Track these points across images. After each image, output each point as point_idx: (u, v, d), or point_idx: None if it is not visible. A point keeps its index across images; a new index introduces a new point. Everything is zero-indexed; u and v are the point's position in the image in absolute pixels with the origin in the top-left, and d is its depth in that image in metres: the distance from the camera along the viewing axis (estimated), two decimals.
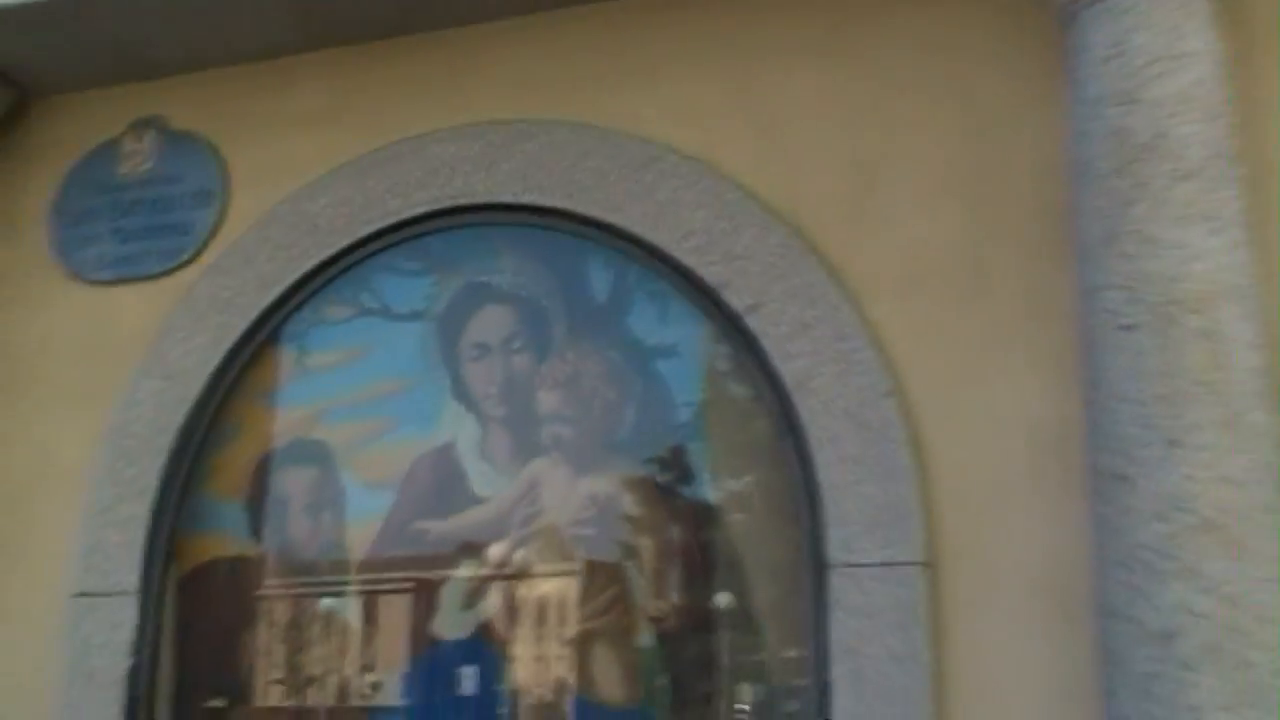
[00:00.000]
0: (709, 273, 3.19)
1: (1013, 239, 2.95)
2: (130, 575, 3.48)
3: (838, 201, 3.14)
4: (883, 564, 2.89)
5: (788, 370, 3.07)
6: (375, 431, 3.49)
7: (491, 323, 3.45)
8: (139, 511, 3.52)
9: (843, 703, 2.85)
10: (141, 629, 3.45)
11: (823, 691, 2.89)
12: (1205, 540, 2.33)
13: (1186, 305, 2.42)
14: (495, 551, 3.32)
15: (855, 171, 3.14)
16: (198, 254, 3.68)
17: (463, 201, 3.48)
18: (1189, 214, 2.45)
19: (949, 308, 2.99)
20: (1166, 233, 2.45)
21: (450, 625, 3.32)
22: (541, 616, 3.25)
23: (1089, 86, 2.60)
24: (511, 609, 3.26)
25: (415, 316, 3.51)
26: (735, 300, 3.14)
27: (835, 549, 2.93)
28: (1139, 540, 2.38)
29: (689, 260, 3.21)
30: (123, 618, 3.45)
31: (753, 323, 3.12)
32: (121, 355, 3.66)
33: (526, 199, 3.41)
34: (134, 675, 3.42)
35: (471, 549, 3.33)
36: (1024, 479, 2.85)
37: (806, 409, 3.03)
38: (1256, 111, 2.65)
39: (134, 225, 3.77)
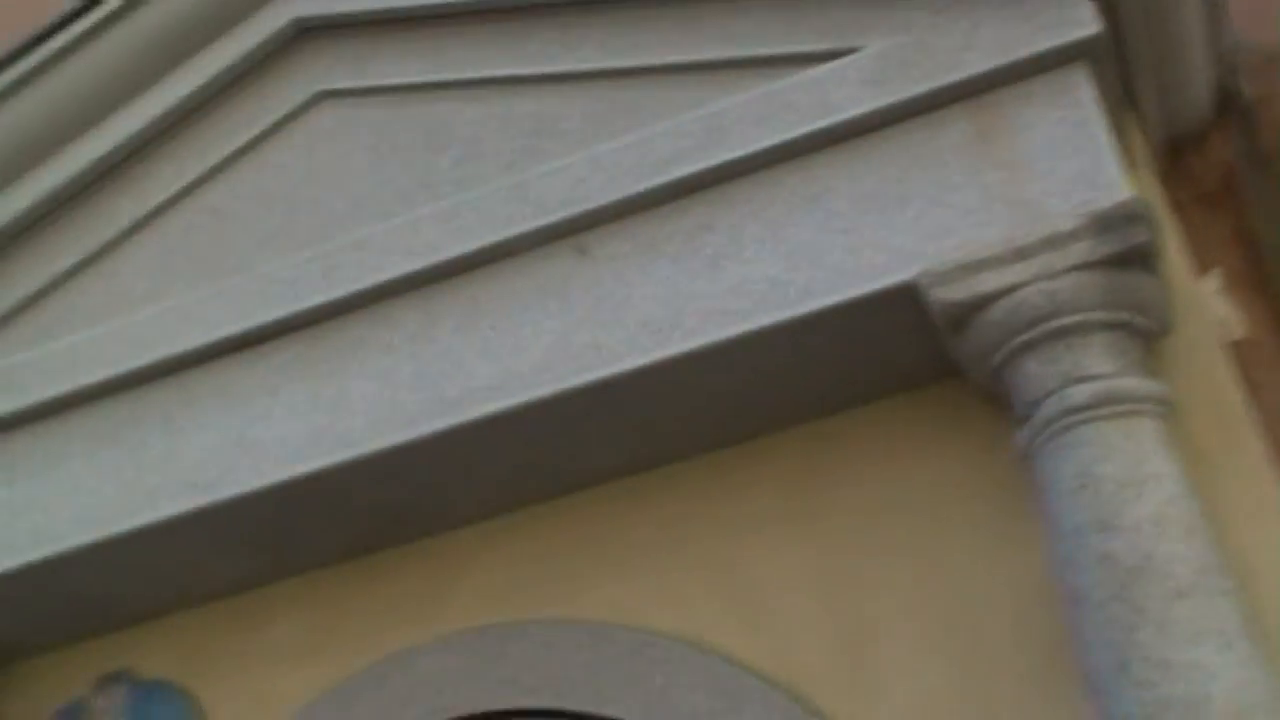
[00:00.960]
0: None
1: (1012, 679, 2.93)
2: None
3: (833, 668, 3.12)
4: None
5: None
6: None
7: None
8: None
9: None
10: None
11: None
12: None
13: None
14: None
15: (846, 637, 3.14)
16: None
17: (451, 716, 3.42)
18: (1194, 632, 2.47)
19: None
20: (1177, 655, 2.46)
21: None
22: None
23: (1066, 518, 2.67)
24: None
25: None
26: None
27: None
28: None
29: None
30: None
31: None
32: None
33: (516, 705, 3.36)
34: None
35: None
36: None
37: None
38: (1229, 522, 2.73)
39: None
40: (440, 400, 3.25)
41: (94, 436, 3.54)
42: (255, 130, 3.67)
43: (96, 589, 3.65)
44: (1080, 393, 2.70)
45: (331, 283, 3.41)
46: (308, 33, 3.64)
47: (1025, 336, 2.78)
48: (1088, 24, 2.89)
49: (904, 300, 2.94)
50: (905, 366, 3.17)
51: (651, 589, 3.37)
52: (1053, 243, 2.76)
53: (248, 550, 3.58)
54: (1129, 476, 2.62)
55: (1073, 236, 2.76)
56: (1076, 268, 2.74)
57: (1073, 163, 2.85)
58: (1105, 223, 2.74)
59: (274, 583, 3.71)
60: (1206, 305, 3.11)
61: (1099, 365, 2.73)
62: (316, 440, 3.33)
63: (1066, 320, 2.74)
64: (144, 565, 3.57)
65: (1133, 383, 2.72)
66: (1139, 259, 2.77)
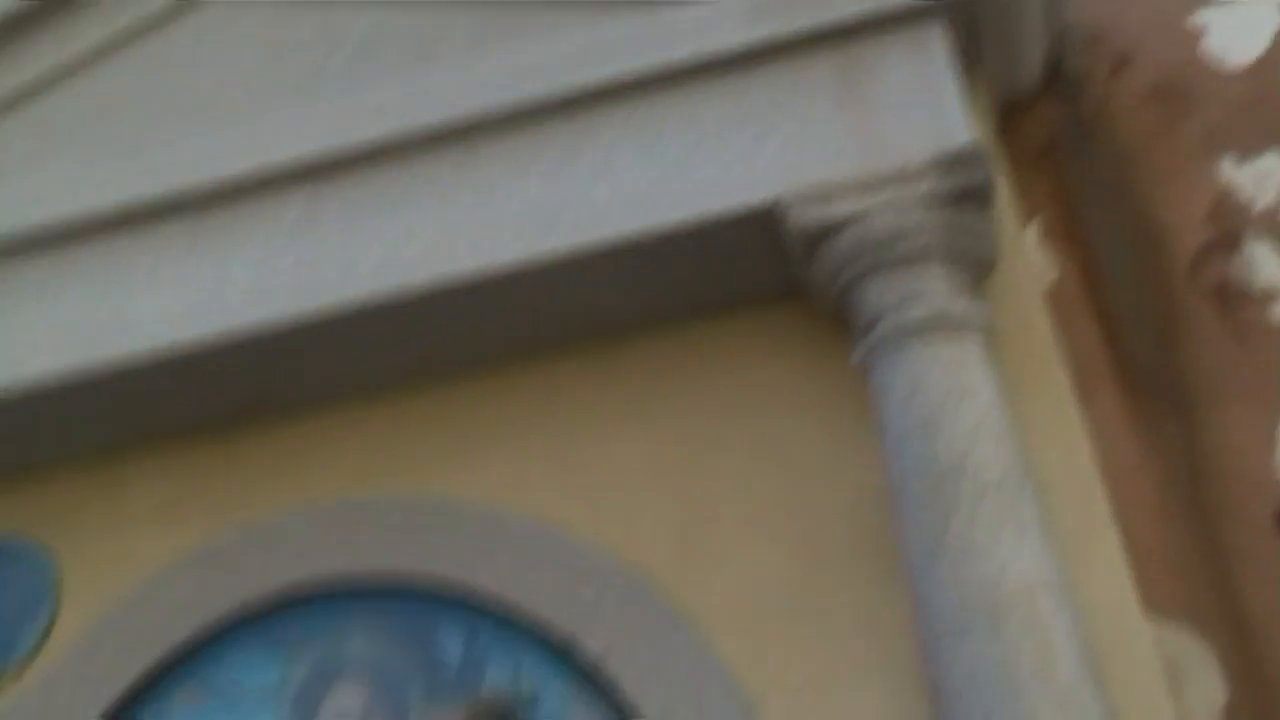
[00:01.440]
0: (559, 626, 3.38)
1: (836, 566, 3.26)
2: None
3: (673, 551, 3.40)
4: None
5: (647, 710, 3.24)
6: None
7: (347, 698, 3.52)
8: None
9: None
10: None
11: None
12: None
13: (1008, 603, 2.76)
14: None
15: (684, 522, 3.42)
16: (25, 666, 3.65)
17: (308, 579, 3.60)
18: (998, 523, 2.83)
19: (790, 635, 3.24)
20: (982, 540, 2.82)
21: None
22: None
23: (895, 422, 3.00)
24: None
25: (269, 698, 3.56)
26: (587, 649, 3.34)
27: None
28: None
29: (539, 614, 3.41)
30: None
31: (608, 668, 3.31)
32: None
33: (374, 574, 3.56)
34: None
35: None
36: None
37: None
38: (1033, 436, 3.11)
39: None
40: (317, 283, 3.44)
41: None
42: (148, 12, 3.76)
43: None
44: (915, 311, 3.04)
45: (219, 163, 3.56)
46: None
47: (870, 259, 3.10)
48: None
49: (762, 220, 3.24)
50: (757, 284, 3.47)
51: (503, 472, 3.60)
52: (901, 177, 3.10)
53: (114, 415, 3.70)
54: (952, 388, 2.97)
55: (919, 173, 3.10)
56: (921, 201, 3.07)
57: (924, 108, 3.19)
58: (949, 162, 3.09)
59: (137, 448, 3.82)
60: (1027, 251, 3.48)
61: (934, 289, 3.07)
62: (193, 313, 3.49)
63: (908, 247, 3.08)
64: (7, 423, 3.66)
65: (962, 307, 3.07)
66: (975, 198, 3.12)
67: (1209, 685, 3.14)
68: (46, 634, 3.69)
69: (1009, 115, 3.77)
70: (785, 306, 3.49)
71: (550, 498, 3.55)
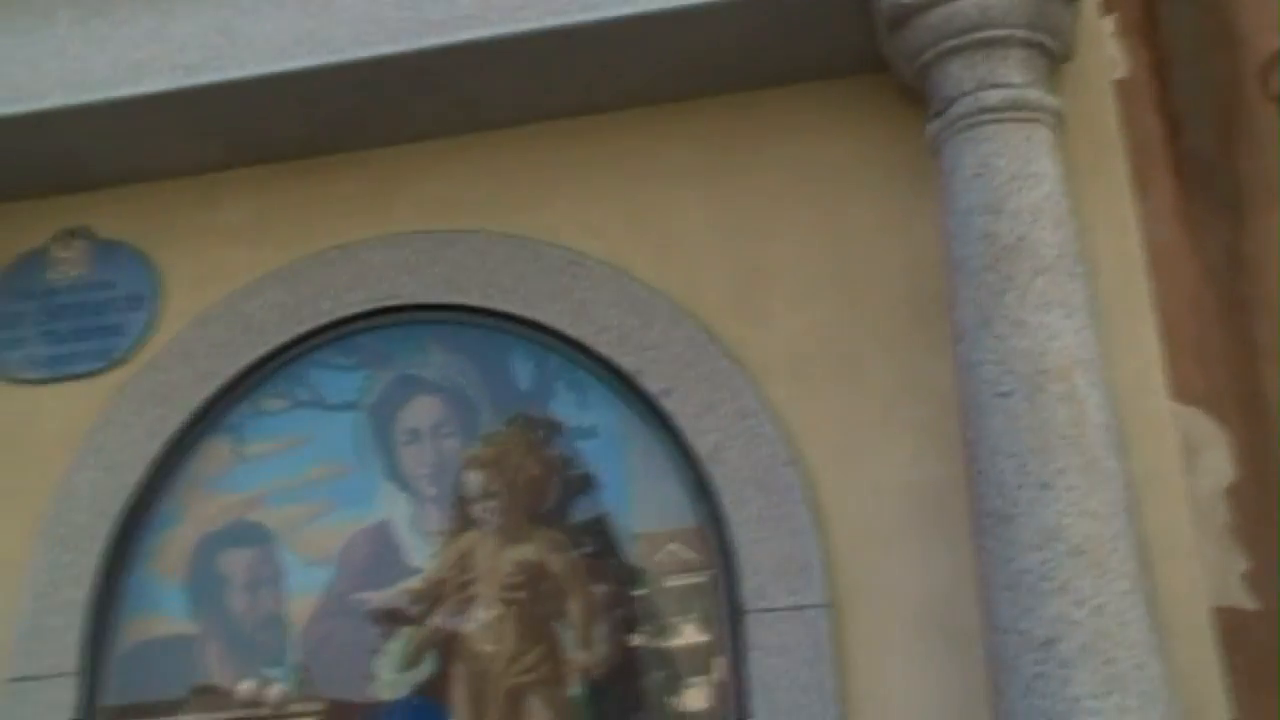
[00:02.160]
0: (624, 362, 3.62)
1: (887, 328, 3.49)
2: (69, 658, 3.66)
3: (733, 300, 3.63)
4: (791, 607, 3.34)
5: (699, 445, 3.51)
6: (314, 513, 3.77)
7: (422, 411, 3.81)
8: (77, 596, 3.71)
9: None
10: (84, 706, 3.64)
11: None
12: (1075, 563, 2.86)
13: (1050, 375, 2.98)
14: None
15: (747, 274, 3.64)
16: (130, 354, 3.92)
17: (391, 303, 3.84)
18: (1047, 302, 3.03)
19: (835, 388, 3.49)
20: (1031, 317, 3.02)
21: (393, 687, 3.63)
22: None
23: (960, 199, 3.17)
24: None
25: (349, 407, 3.84)
26: (649, 385, 3.59)
27: (750, 597, 3.36)
28: (1022, 566, 2.89)
29: (605, 351, 3.65)
30: (62, 699, 3.62)
31: (667, 404, 3.56)
32: (54, 450, 3.84)
33: (452, 299, 3.79)
34: None
35: (410, 617, 3.65)
36: (906, 528, 3.36)
37: (718, 477, 3.48)
38: (1089, 222, 3.27)
39: (65, 328, 3.99)
40: (423, 20, 3.56)
41: (84, 5, 3.74)
42: None
43: (67, 150, 3.90)
44: (993, 96, 3.18)
45: None
46: None
47: (954, 41, 3.23)
48: None
49: None
50: (840, 55, 3.59)
51: (579, 217, 3.79)
52: None
53: (216, 134, 3.88)
54: (1019, 171, 3.13)
55: None
56: None
57: None
58: None
59: (236, 168, 4.01)
60: (1103, 43, 3.58)
61: (1012, 75, 3.20)
62: (300, 41, 3.62)
63: (992, 33, 3.19)
64: (117, 134, 3.84)
65: (1036, 94, 3.20)
66: None
67: (1219, 465, 3.38)
68: (150, 327, 3.94)
69: None
70: (864, 79, 3.61)
71: (621, 244, 3.74)
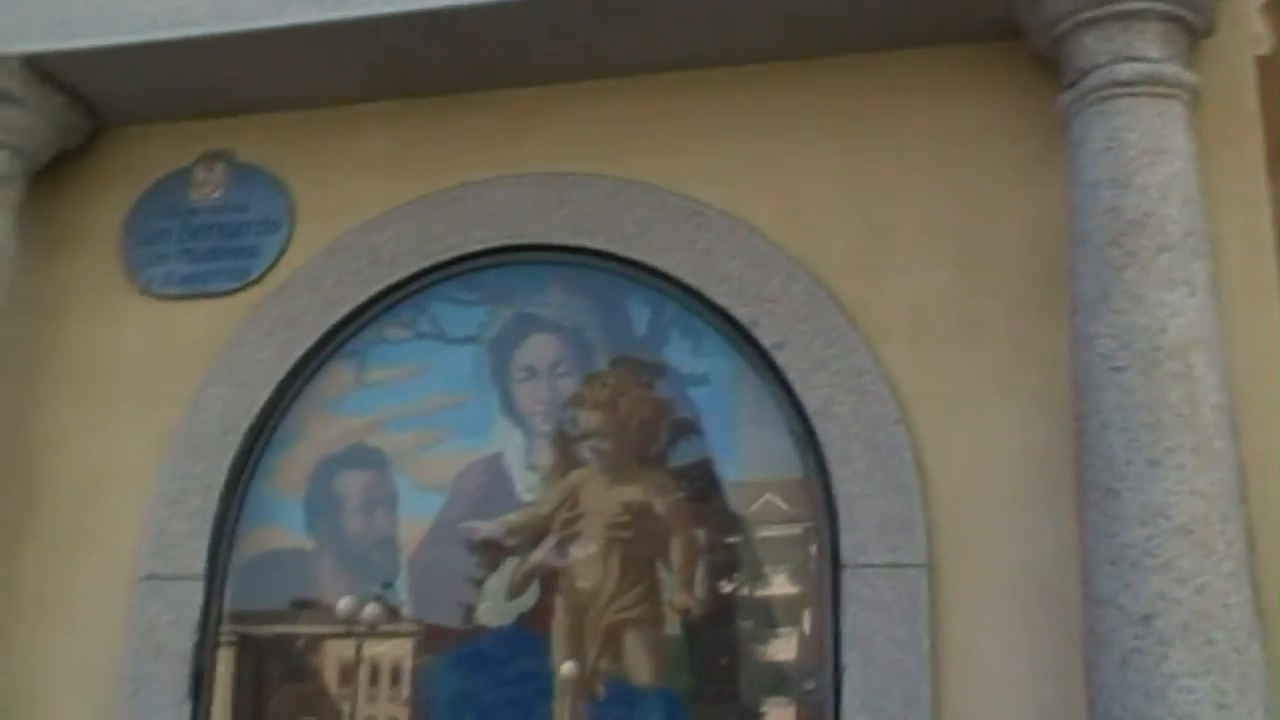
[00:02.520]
0: (741, 313, 3.66)
1: (1008, 295, 3.49)
2: (197, 561, 3.82)
3: (853, 258, 3.64)
4: (890, 565, 3.37)
5: (809, 400, 3.55)
6: (430, 441, 3.88)
7: (539, 349, 3.88)
8: (205, 504, 3.86)
9: (854, 684, 3.32)
10: (206, 608, 3.79)
11: (837, 674, 3.35)
12: (1179, 541, 2.85)
13: (1166, 353, 2.96)
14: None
15: (868, 233, 3.65)
16: (263, 276, 4.05)
17: (516, 241, 3.90)
18: (1169, 279, 3.01)
19: (949, 351, 3.50)
20: (1151, 294, 3.00)
21: (495, 614, 3.73)
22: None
23: (1087, 172, 3.15)
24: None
25: (469, 341, 3.92)
26: (764, 337, 3.62)
27: (849, 552, 3.40)
28: (1126, 541, 2.90)
29: (723, 302, 3.69)
30: (189, 598, 3.79)
31: (780, 358, 3.59)
32: (188, 364, 3.99)
33: (576, 242, 3.85)
34: (199, 650, 3.75)
35: (516, 548, 3.75)
36: (1009, 495, 3.37)
37: (825, 432, 3.51)
38: (1218, 200, 3.23)
39: (203, 247, 4.12)
40: None
41: None
42: None
43: (214, 76, 4.03)
44: (1128, 69, 3.15)
45: None
46: None
47: (1092, 13, 3.20)
48: None
49: None
50: (977, 20, 3.56)
51: (705, 167, 3.81)
52: None
53: (356, 67, 3.96)
54: (1149, 146, 3.10)
55: None
56: None
57: None
58: None
59: (371, 102, 4.10)
60: (1247, 18, 3.51)
61: (1149, 49, 3.16)
62: None
63: (1131, 5, 3.16)
64: (263, 62, 3.95)
65: (1173, 70, 3.17)
66: None
67: None
68: (282, 252, 4.05)
69: None
70: (998, 46, 3.59)
71: (743, 195, 3.76)
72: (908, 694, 3.29)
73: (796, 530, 3.58)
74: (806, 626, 3.51)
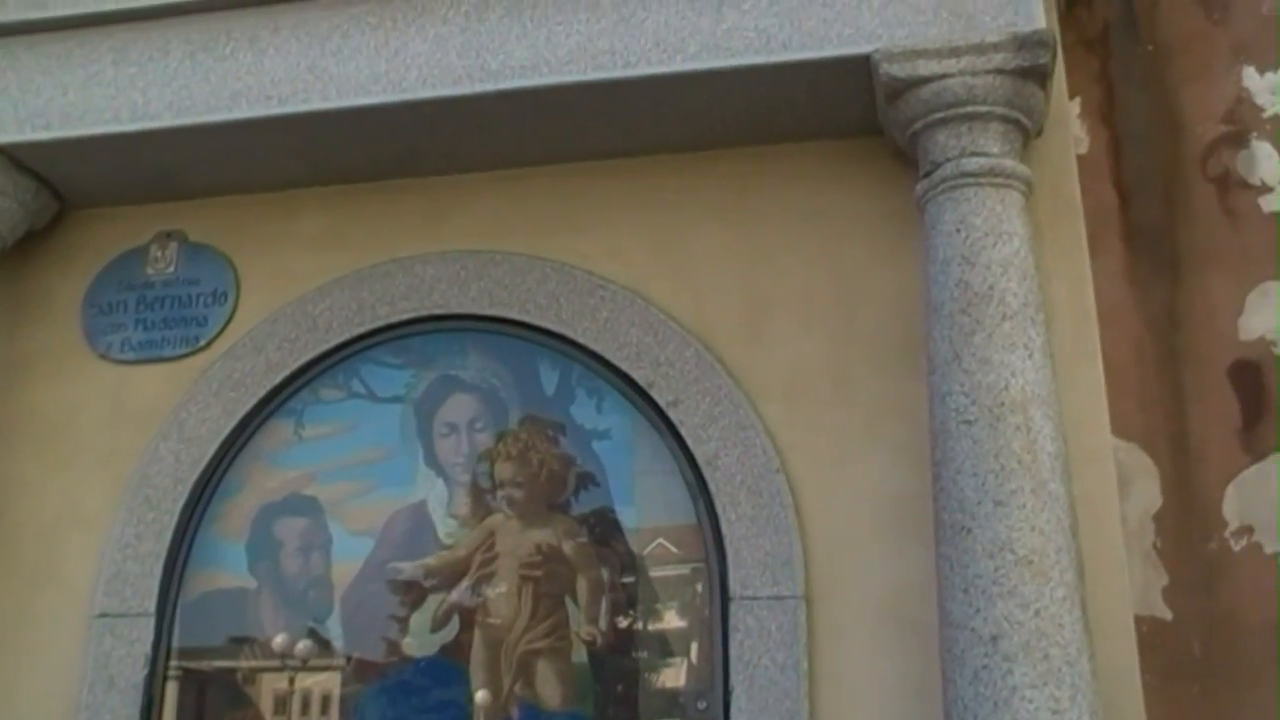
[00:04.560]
0: (639, 375, 3.64)
1: (873, 358, 3.51)
2: (148, 600, 3.70)
3: (738, 326, 3.65)
4: (772, 597, 3.36)
5: (700, 451, 3.54)
6: (360, 490, 3.80)
7: (459, 407, 3.84)
8: (157, 548, 3.75)
9: (740, 703, 3.29)
10: (156, 643, 3.67)
11: (726, 694, 3.32)
12: (1021, 571, 2.89)
13: (1008, 407, 3.01)
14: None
15: (751, 304, 3.67)
16: (211, 342, 3.96)
17: (439, 311, 3.86)
18: (1011, 343, 3.06)
19: (823, 409, 3.51)
20: (996, 356, 3.05)
21: (419, 646, 3.65)
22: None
23: (940, 250, 3.20)
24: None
25: (396, 400, 3.87)
26: (660, 396, 3.61)
27: (735, 586, 3.39)
28: (976, 572, 2.92)
29: (623, 365, 3.67)
30: (140, 634, 3.67)
31: (674, 414, 3.58)
32: (142, 422, 3.89)
33: (493, 312, 3.82)
34: (149, 681, 3.62)
35: (438, 586, 3.68)
36: (875, 533, 3.38)
37: (714, 480, 3.50)
38: (1049, 275, 3.31)
39: (156, 317, 4.03)
40: (482, 69, 3.61)
41: (192, 42, 3.80)
42: None
43: (169, 164, 3.96)
44: (973, 163, 3.22)
45: None
46: None
47: (942, 114, 3.27)
48: None
49: (857, 67, 3.40)
50: (842, 121, 3.63)
51: (608, 247, 3.82)
52: (980, 49, 3.24)
53: (297, 156, 3.92)
54: (992, 229, 3.17)
55: (995, 47, 3.23)
56: (992, 71, 3.21)
57: None
58: (1021, 42, 3.22)
59: (310, 186, 4.05)
60: (1069, 122, 3.62)
61: (990, 146, 3.24)
62: (375, 80, 3.67)
63: (975, 108, 3.24)
64: (213, 152, 3.89)
65: (1010, 164, 3.24)
66: (1037, 75, 3.26)
67: (1148, 494, 3.45)
68: (228, 321, 3.98)
69: (1070, 4, 3.84)
70: (862, 142, 3.65)
71: (642, 271, 3.77)
72: (788, 711, 3.27)
73: (686, 570, 3.56)
74: (695, 654, 3.48)
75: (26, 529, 3.87)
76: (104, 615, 3.70)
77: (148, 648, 3.65)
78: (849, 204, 3.66)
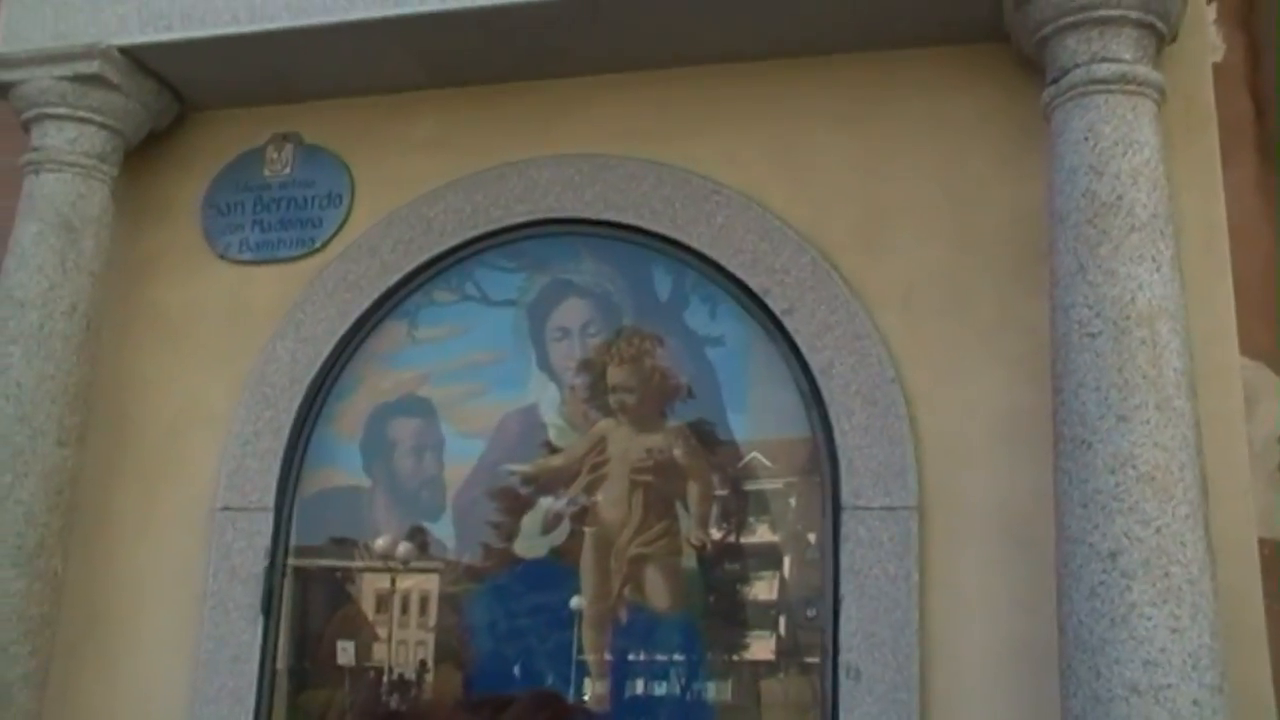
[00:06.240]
0: (754, 282, 3.69)
1: (991, 270, 3.52)
2: (267, 494, 3.87)
3: (855, 235, 3.67)
4: (885, 508, 3.42)
5: (814, 360, 3.58)
6: (472, 392, 3.92)
7: (572, 311, 3.92)
8: (274, 445, 3.92)
9: (850, 612, 3.37)
10: (275, 536, 3.86)
11: (836, 603, 3.41)
12: (1143, 488, 2.90)
13: (1134, 321, 3.00)
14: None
15: (869, 213, 3.68)
16: (326, 244, 4.08)
17: (553, 215, 3.93)
18: (1138, 256, 3.05)
19: (940, 319, 3.53)
20: (1122, 268, 3.04)
21: (529, 548, 3.79)
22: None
23: (1066, 159, 3.18)
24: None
25: (509, 303, 3.96)
26: (775, 304, 3.66)
27: (847, 496, 3.45)
28: (1096, 487, 2.94)
29: (738, 272, 3.72)
30: (260, 527, 3.85)
31: (788, 322, 3.63)
32: (260, 322, 4.04)
33: (607, 216, 3.88)
34: (270, 572, 3.81)
35: (549, 487, 3.80)
36: (991, 446, 3.40)
37: (828, 390, 3.55)
38: (1179, 187, 3.27)
39: (273, 219, 4.16)
40: None
41: None
42: None
43: (285, 65, 4.05)
44: (1104, 69, 3.17)
45: None
46: None
47: (1073, 18, 3.22)
48: None
49: None
50: (966, 24, 3.60)
51: (724, 152, 3.84)
52: None
53: (412, 59, 3.98)
54: (1122, 137, 3.13)
55: None
56: None
57: None
58: None
59: (424, 89, 4.12)
60: (1205, 28, 3.55)
61: (1123, 52, 3.19)
62: None
63: (1108, 12, 3.18)
64: (328, 54, 3.97)
65: (1143, 70, 3.19)
66: None
67: (1274, 415, 3.41)
68: (343, 224, 4.10)
69: None
70: (986, 49, 3.61)
71: (758, 177, 3.79)
72: (898, 621, 3.34)
73: (796, 479, 3.64)
74: (804, 563, 3.56)
75: (151, 425, 4.06)
76: (226, 509, 3.88)
77: (267, 540, 3.83)
78: (971, 112, 3.64)
